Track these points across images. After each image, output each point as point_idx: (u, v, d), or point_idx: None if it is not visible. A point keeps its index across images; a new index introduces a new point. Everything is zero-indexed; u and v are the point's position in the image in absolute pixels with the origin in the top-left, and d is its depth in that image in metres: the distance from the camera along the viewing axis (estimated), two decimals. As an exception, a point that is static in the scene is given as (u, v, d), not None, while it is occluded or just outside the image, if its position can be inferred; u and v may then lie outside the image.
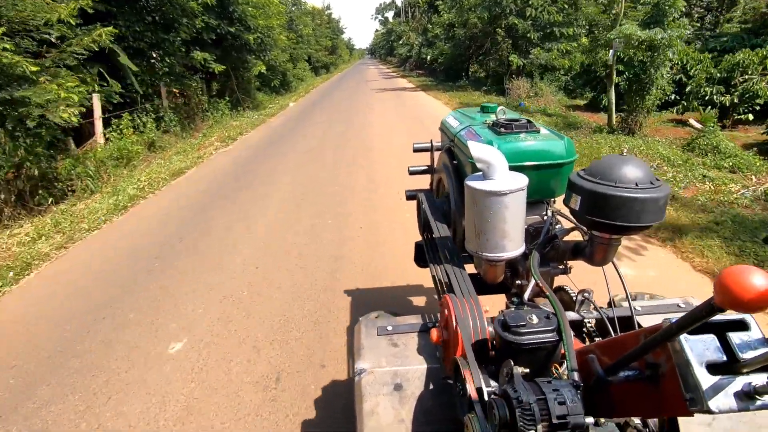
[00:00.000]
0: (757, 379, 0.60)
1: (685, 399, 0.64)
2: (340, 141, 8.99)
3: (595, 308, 1.31)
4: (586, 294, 1.34)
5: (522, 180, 1.19)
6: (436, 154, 2.14)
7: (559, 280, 1.58)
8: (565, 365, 0.87)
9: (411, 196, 2.24)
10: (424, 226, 1.92)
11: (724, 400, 0.61)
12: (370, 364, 1.22)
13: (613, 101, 8.53)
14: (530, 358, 0.92)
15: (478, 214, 1.21)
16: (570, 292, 1.45)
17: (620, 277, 1.30)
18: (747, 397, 0.61)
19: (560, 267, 1.47)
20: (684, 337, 0.67)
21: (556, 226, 1.48)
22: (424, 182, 2.45)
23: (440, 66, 24.58)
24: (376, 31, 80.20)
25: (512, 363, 0.85)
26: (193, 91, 10.57)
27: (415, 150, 2.21)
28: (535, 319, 0.94)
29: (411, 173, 2.27)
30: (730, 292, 0.38)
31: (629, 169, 1.13)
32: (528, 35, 14.94)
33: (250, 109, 13.73)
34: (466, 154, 1.54)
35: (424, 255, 2.11)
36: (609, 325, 1.23)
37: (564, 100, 13.99)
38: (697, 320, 0.47)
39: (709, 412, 0.61)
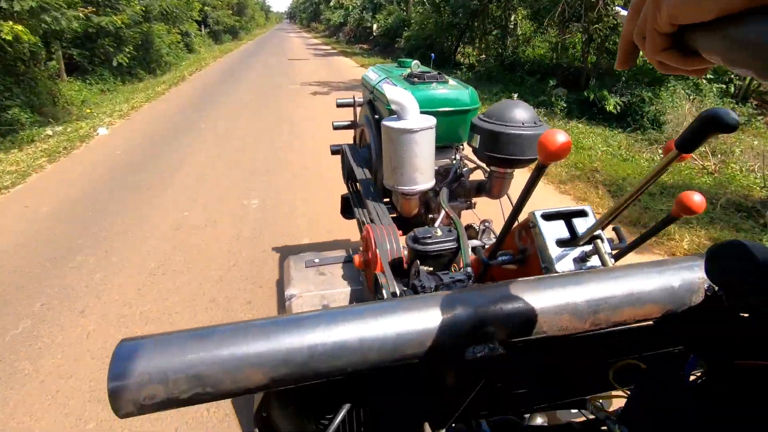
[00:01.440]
0: (587, 248, 0.82)
1: (542, 269, 0.84)
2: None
3: (494, 235, 1.54)
4: (486, 223, 1.57)
5: (431, 120, 1.35)
6: (359, 110, 2.24)
7: (466, 218, 1.81)
8: (462, 265, 1.06)
9: (336, 150, 2.33)
10: (348, 175, 2.04)
11: (566, 264, 0.82)
12: (299, 290, 1.33)
13: None
14: (435, 263, 1.10)
15: (394, 151, 1.35)
16: (474, 226, 1.68)
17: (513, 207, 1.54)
18: (581, 261, 0.82)
19: (466, 202, 1.68)
20: (541, 223, 0.87)
21: (463, 169, 1.68)
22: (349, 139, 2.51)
23: (408, 42, 14.37)
24: (296, -8, 72.82)
25: (419, 262, 1.02)
26: None
27: (339, 105, 2.29)
28: (439, 233, 1.12)
29: (335, 128, 2.36)
30: (545, 148, 0.54)
31: (518, 112, 1.34)
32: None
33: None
34: (384, 102, 1.67)
35: (349, 207, 2.24)
36: None
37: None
38: (534, 181, 0.64)
39: (557, 273, 0.82)
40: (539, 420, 1.01)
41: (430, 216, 1.65)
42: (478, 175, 1.70)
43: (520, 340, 0.40)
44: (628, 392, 0.63)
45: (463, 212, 1.84)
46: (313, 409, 0.45)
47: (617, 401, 0.70)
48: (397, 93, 1.33)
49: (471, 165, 1.69)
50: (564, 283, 0.42)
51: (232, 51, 20.43)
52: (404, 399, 0.51)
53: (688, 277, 0.43)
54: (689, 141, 0.53)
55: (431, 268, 1.04)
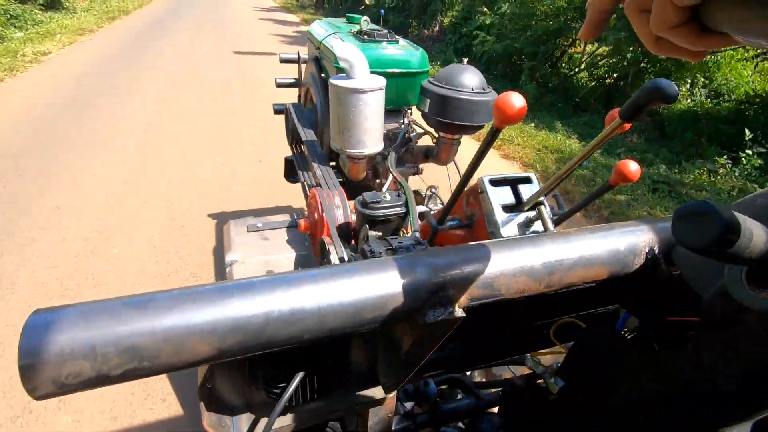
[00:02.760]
0: (531, 214, 0.85)
1: (489, 233, 0.86)
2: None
3: (441, 201, 1.56)
4: (433, 189, 1.58)
5: (381, 81, 1.31)
6: (304, 67, 2.12)
7: (413, 184, 1.81)
8: (410, 230, 1.06)
9: (279, 110, 2.20)
10: (293, 136, 1.95)
11: (512, 229, 0.84)
12: (241, 256, 1.28)
13: None
14: (384, 228, 1.09)
15: (342, 112, 1.29)
16: (421, 192, 1.69)
17: (460, 174, 1.56)
18: (525, 226, 0.85)
19: (414, 168, 1.68)
20: (489, 189, 0.89)
21: (411, 134, 1.66)
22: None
23: (483, 49, 6.71)
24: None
25: (368, 227, 1.01)
26: None
27: (282, 61, 2.15)
28: (388, 197, 1.11)
29: (278, 86, 2.22)
30: (501, 112, 0.54)
31: (467, 77, 1.33)
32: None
33: None
34: (331, 60, 1.58)
35: (293, 170, 2.15)
36: None
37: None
38: (488, 145, 0.64)
39: (502, 238, 0.84)
40: (478, 376, 1.07)
41: (378, 180, 1.63)
42: (425, 141, 1.70)
43: (478, 303, 0.40)
44: (566, 348, 0.67)
45: (410, 178, 1.84)
46: (264, 379, 0.43)
47: (550, 358, 0.75)
48: (346, 50, 1.26)
49: (419, 130, 1.68)
50: (521, 245, 0.42)
51: (129, 15, 10.73)
52: (358, 364, 0.50)
53: (632, 241, 0.45)
54: (632, 110, 0.54)
55: (380, 233, 1.03)
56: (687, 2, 0.25)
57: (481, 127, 1.40)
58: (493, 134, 0.60)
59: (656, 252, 0.45)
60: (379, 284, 0.37)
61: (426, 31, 9.92)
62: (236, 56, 7.13)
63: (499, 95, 0.54)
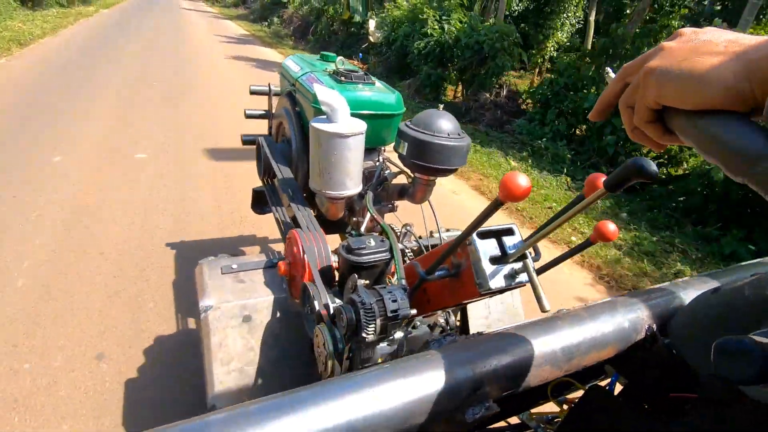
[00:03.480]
0: (516, 265, 0.89)
1: (476, 284, 0.89)
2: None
3: (415, 239, 1.59)
4: (408, 227, 1.61)
5: (362, 125, 1.33)
6: (275, 99, 2.11)
7: (388, 219, 1.84)
8: (395, 276, 1.07)
9: (249, 140, 2.17)
10: (265, 170, 1.92)
11: (498, 280, 0.88)
12: (216, 301, 1.23)
13: None
14: (369, 274, 1.10)
15: (323, 155, 1.30)
16: (395, 228, 1.72)
17: (434, 213, 1.61)
18: (510, 277, 0.89)
19: (389, 205, 1.71)
20: (477, 242, 0.92)
21: (386, 171, 1.69)
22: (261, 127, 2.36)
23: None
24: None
25: (356, 276, 1.01)
26: None
27: (252, 93, 2.13)
28: (372, 242, 1.12)
29: (248, 117, 2.19)
30: (507, 189, 0.57)
31: (443, 122, 1.39)
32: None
33: None
34: (308, 98, 1.59)
35: (261, 201, 2.12)
36: (425, 251, 1.52)
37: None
38: (489, 214, 0.67)
39: (489, 289, 0.87)
40: None
41: (354, 219, 1.64)
42: (400, 179, 1.73)
43: (507, 394, 0.42)
44: (558, 403, 0.70)
45: (385, 214, 1.86)
46: None
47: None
48: (328, 94, 1.28)
49: (394, 168, 1.72)
50: (540, 331, 0.45)
51: (30, 46, 7.33)
52: None
53: (633, 318, 0.49)
54: (616, 183, 0.60)
55: (367, 281, 1.04)
56: (652, 106, 0.37)
57: (456, 170, 1.46)
58: (495, 205, 0.64)
59: (654, 329, 0.50)
60: (421, 388, 0.37)
61: (487, 94, 6.93)
62: (214, 167, 3.68)
63: (506, 174, 0.58)
